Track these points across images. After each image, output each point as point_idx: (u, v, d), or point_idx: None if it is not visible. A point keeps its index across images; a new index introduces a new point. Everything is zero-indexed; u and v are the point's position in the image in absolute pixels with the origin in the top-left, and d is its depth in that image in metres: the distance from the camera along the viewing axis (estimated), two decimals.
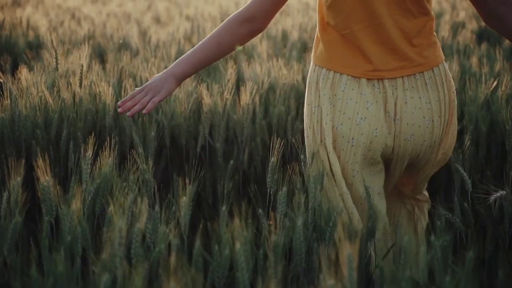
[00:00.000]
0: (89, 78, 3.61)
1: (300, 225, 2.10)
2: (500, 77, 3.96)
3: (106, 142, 2.73)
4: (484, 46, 5.33)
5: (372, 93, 2.41)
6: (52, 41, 3.75)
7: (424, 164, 2.56)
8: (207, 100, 3.43)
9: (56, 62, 3.89)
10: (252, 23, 2.45)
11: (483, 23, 6.77)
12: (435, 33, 2.53)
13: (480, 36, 6.37)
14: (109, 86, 3.49)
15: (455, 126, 2.57)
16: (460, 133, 3.64)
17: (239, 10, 2.48)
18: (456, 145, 3.38)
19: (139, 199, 2.24)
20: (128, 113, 2.54)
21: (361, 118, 2.39)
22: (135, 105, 2.52)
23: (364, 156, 2.43)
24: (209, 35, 2.51)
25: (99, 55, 5.58)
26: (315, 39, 2.55)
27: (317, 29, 2.52)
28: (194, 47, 2.54)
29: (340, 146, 2.42)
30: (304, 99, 2.60)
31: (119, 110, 2.56)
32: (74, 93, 3.42)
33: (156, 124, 3.42)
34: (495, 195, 2.70)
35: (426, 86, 2.44)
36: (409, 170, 2.59)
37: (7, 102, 3.21)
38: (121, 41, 5.71)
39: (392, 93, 2.41)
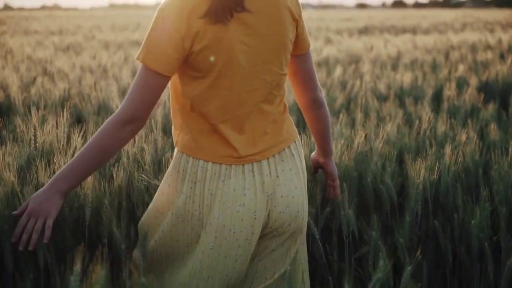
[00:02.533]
0: (70, 153, 3.17)
1: None
2: None
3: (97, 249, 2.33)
4: (492, 106, 4.95)
5: (248, 179, 2.46)
6: (24, 109, 3.31)
7: (296, 238, 2.61)
8: None
9: (34, 137, 3.48)
10: (134, 123, 2.41)
11: (483, 77, 6.47)
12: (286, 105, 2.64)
13: (482, 91, 6.05)
14: None
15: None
16: (491, 216, 3.27)
17: (116, 113, 2.42)
18: (489, 231, 3.04)
19: None
20: (29, 247, 2.41)
21: (240, 205, 2.44)
22: (30, 235, 2.42)
23: (248, 241, 2.47)
24: (89, 142, 2.43)
25: (77, 118, 5.15)
26: (174, 124, 2.59)
27: (176, 115, 2.57)
28: (75, 157, 2.46)
29: (222, 235, 2.45)
30: None
31: (19, 247, 2.42)
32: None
33: None
34: None
35: (293, 157, 2.56)
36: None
37: None
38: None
39: (269, 173, 2.49)
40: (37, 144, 3.51)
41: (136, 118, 2.39)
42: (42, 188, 2.45)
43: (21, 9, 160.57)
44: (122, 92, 5.80)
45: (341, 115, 4.44)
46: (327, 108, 2.80)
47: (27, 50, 10.12)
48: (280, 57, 2.46)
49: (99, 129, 2.43)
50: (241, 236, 2.45)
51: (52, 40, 14.41)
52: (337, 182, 3.00)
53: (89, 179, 2.83)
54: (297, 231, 2.57)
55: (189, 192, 2.47)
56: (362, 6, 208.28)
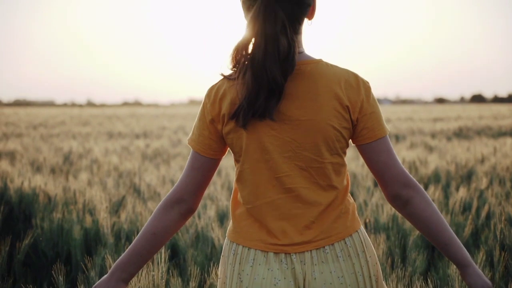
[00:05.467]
0: None
1: None
2: None
3: None
4: None
5: (279, 269, 2.31)
6: (114, 238, 2.89)
7: None
8: None
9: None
10: (181, 205, 2.41)
11: None
12: (349, 200, 2.41)
13: None
14: None
15: None
16: None
17: (167, 195, 2.46)
18: None
19: None
20: None
21: None
22: None
23: None
24: (143, 228, 2.46)
25: (172, 251, 4.62)
26: None
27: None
28: (132, 244, 2.47)
29: None
30: None
31: None
32: None
33: None
34: None
35: (338, 259, 2.33)
36: None
37: None
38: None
39: (301, 269, 2.31)
40: None
41: (183, 200, 2.40)
42: (103, 279, 2.46)
43: (103, 105, 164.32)
44: (221, 218, 5.25)
45: (472, 250, 3.82)
46: (418, 205, 2.38)
47: (113, 160, 9.73)
48: (317, 143, 2.30)
49: (152, 213, 2.46)
50: None
51: (137, 145, 14.11)
52: None
53: None
54: None
55: (224, 274, 2.41)
56: (441, 101, 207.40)
